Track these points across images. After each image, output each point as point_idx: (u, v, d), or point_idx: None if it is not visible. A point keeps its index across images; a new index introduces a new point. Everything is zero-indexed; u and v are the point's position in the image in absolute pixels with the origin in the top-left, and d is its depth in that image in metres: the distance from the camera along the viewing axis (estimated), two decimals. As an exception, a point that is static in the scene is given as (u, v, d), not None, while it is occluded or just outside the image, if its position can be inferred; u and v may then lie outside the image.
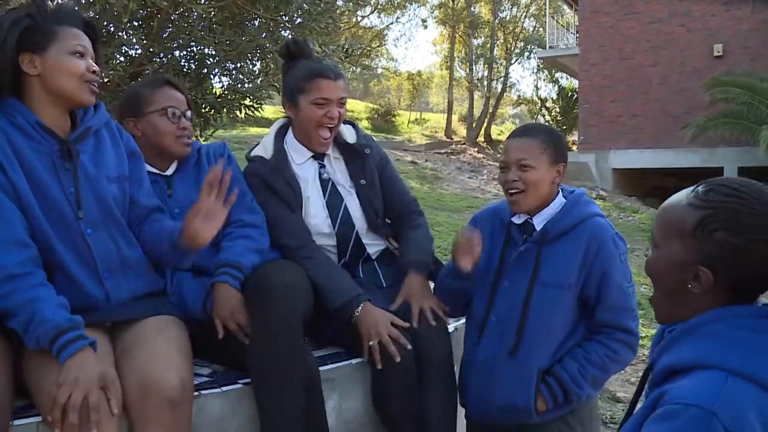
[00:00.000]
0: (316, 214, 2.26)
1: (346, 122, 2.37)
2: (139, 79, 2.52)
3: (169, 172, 2.20)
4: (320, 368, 2.03)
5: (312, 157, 2.30)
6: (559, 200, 2.00)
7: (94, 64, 1.80)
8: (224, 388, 1.85)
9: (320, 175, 2.30)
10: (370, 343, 2.00)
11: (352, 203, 2.31)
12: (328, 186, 2.29)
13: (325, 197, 2.28)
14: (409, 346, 2.01)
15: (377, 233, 2.37)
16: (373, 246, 2.38)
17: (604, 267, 1.90)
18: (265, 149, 2.29)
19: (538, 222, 1.98)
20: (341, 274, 2.18)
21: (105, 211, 1.81)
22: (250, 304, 1.93)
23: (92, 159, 1.83)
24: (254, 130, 21.64)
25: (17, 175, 1.69)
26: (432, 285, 2.27)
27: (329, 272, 2.14)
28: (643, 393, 1.25)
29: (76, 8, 1.94)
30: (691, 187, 1.16)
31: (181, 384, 1.64)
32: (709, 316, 1.10)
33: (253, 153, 2.31)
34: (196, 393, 1.74)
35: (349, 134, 2.34)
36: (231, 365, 2.00)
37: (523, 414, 1.90)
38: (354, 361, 2.11)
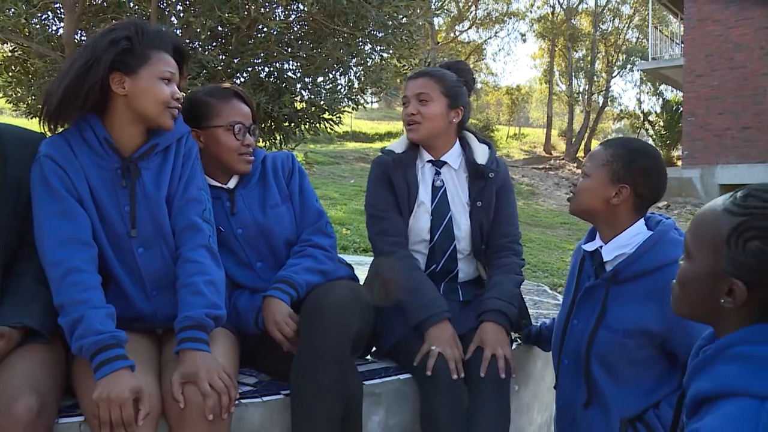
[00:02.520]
0: (422, 218, 2.27)
1: (482, 141, 2.37)
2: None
3: (231, 185, 2.12)
4: (367, 382, 2.00)
5: (430, 162, 2.33)
6: (638, 230, 1.80)
7: (179, 92, 1.84)
8: (265, 399, 1.85)
9: (434, 181, 2.30)
10: (432, 347, 2.00)
11: (461, 220, 2.28)
12: (438, 193, 2.29)
13: (432, 204, 2.28)
14: (455, 376, 1.98)
15: (477, 259, 2.34)
16: (465, 271, 2.33)
17: (688, 325, 1.61)
18: (399, 143, 2.36)
19: (608, 252, 1.81)
20: (427, 285, 2.19)
21: (160, 231, 1.83)
22: (302, 319, 1.90)
23: (155, 178, 1.85)
24: (352, 145, 22.03)
25: (83, 188, 1.76)
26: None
27: (417, 285, 2.16)
28: (681, 420, 1.16)
29: (170, 32, 1.97)
30: (726, 195, 1.05)
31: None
32: (736, 337, 0.99)
33: (388, 147, 2.37)
34: (237, 402, 1.74)
35: (480, 154, 2.32)
36: (278, 376, 2.00)
37: None
38: (402, 376, 2.08)
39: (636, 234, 1.79)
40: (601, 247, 1.83)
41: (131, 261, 1.81)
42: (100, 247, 1.77)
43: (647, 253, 1.74)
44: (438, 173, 2.31)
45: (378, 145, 22.99)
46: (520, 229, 2.39)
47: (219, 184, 2.10)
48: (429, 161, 2.32)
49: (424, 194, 2.29)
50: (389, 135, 26.31)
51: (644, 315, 1.72)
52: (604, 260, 1.82)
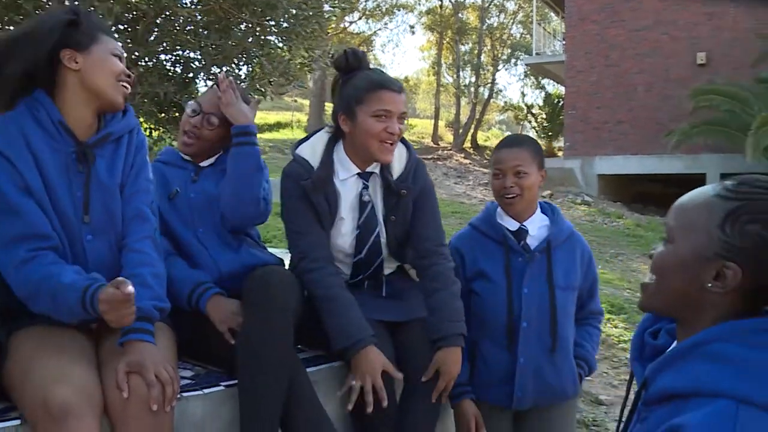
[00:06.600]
0: (345, 234, 2.16)
1: (402, 143, 2.20)
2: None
3: (205, 163, 2.28)
4: (303, 370, 2.03)
5: (357, 174, 2.16)
6: (539, 211, 2.25)
7: (128, 71, 1.86)
8: (206, 391, 1.85)
9: (361, 195, 2.16)
10: (353, 382, 1.93)
11: (385, 233, 2.22)
12: (366, 208, 2.16)
13: (360, 219, 2.15)
14: (385, 403, 1.94)
15: (397, 259, 2.32)
16: (389, 269, 2.31)
17: (593, 270, 2.30)
18: (313, 153, 2.14)
19: (532, 227, 2.20)
20: (352, 309, 2.02)
21: (111, 219, 1.81)
22: (247, 295, 1.92)
23: (108, 166, 1.83)
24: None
25: (30, 173, 1.70)
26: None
27: (340, 309, 2.01)
28: (637, 410, 1.15)
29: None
30: (714, 184, 1.08)
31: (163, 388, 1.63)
32: (712, 333, 0.99)
33: (299, 151, 2.16)
34: (178, 396, 1.73)
35: (397, 163, 2.17)
36: (216, 364, 2.01)
37: (566, 395, 2.19)
38: (336, 364, 2.12)
39: (544, 211, 2.25)
40: (522, 225, 2.19)
41: (78, 248, 1.77)
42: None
43: (559, 224, 2.21)
44: (366, 187, 2.16)
45: (268, 135, 22.61)
46: None
47: (191, 160, 2.28)
48: (357, 174, 2.16)
49: (349, 210, 2.15)
50: (279, 125, 25.97)
51: (574, 271, 2.21)
52: (531, 233, 2.18)
